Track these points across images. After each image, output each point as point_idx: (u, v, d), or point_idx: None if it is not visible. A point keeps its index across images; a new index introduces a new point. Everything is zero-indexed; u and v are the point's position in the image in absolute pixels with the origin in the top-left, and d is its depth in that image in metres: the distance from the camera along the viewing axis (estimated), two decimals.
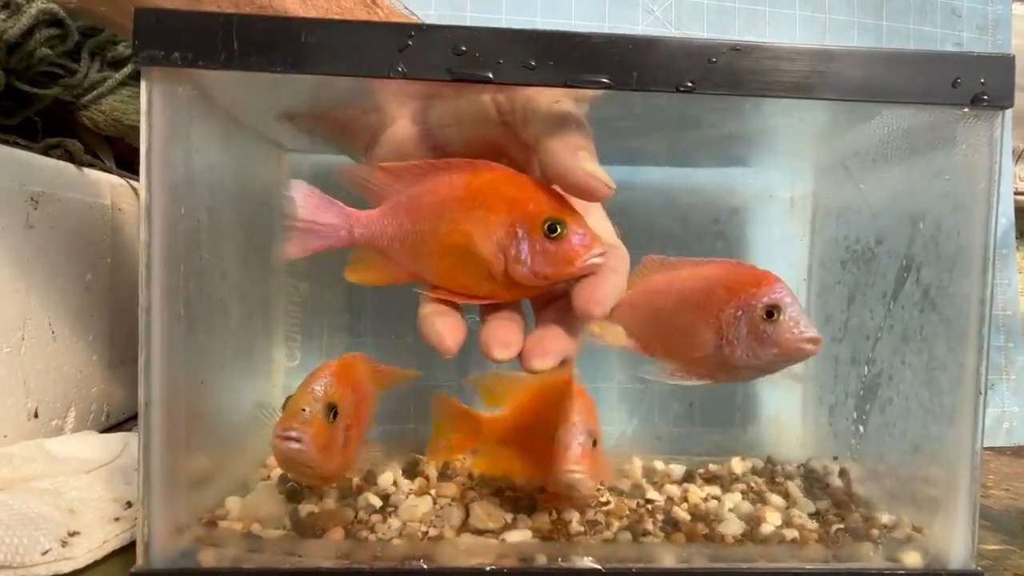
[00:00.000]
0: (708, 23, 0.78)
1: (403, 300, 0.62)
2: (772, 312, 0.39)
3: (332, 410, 0.38)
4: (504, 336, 0.37)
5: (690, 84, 0.35)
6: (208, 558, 0.36)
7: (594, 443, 0.40)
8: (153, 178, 0.34)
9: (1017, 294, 0.88)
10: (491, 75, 0.35)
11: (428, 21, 0.36)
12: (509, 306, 0.39)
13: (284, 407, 0.38)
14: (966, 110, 0.37)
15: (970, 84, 0.37)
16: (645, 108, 0.42)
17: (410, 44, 0.34)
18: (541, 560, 0.37)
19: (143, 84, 0.34)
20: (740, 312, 0.40)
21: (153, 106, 0.34)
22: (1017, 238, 1.03)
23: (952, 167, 0.40)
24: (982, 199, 0.38)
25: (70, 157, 0.65)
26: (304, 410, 0.37)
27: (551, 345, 0.37)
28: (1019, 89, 0.96)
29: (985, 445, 0.83)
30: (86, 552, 0.40)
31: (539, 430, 0.42)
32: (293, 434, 0.36)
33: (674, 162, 0.60)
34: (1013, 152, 0.93)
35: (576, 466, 0.38)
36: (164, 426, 0.35)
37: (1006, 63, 0.37)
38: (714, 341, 0.41)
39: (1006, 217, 0.88)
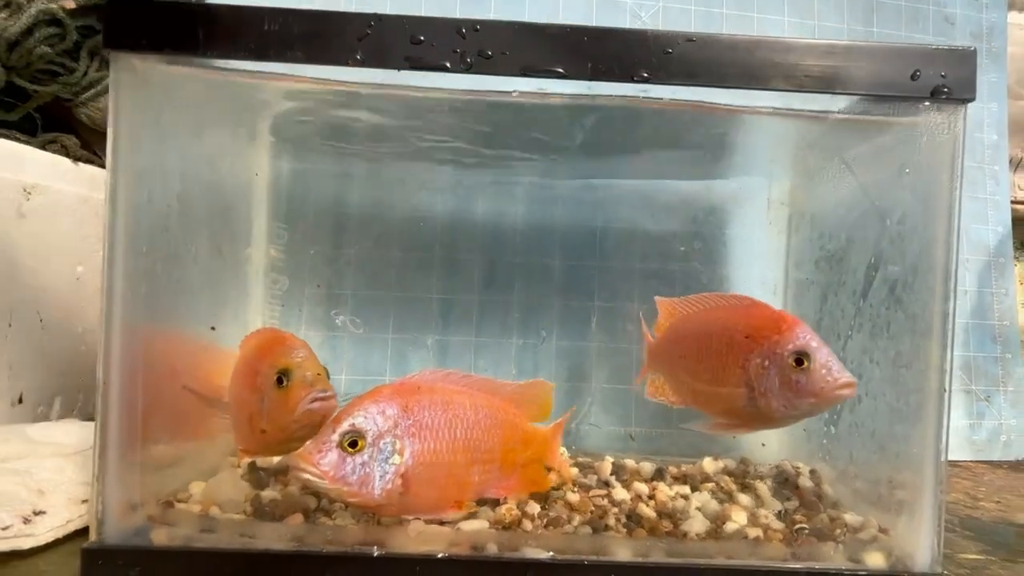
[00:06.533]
0: (696, 29, 0.78)
1: (380, 297, 0.63)
2: (801, 360, 0.37)
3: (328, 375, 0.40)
4: None
5: (645, 75, 0.36)
6: (160, 536, 0.36)
7: None
8: (119, 163, 0.35)
9: (1015, 304, 0.86)
10: (448, 64, 0.35)
11: None
12: None
13: (288, 378, 0.39)
14: (927, 103, 0.37)
15: (930, 77, 0.37)
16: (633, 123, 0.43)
17: (369, 33, 0.35)
18: (492, 549, 0.37)
19: (111, 70, 0.35)
20: (767, 362, 0.38)
21: (120, 92, 0.35)
22: (1018, 247, 1.01)
23: (915, 162, 0.39)
24: (945, 194, 0.38)
25: (66, 152, 0.67)
26: (319, 374, 0.39)
27: None
28: (1016, 97, 0.95)
29: (982, 459, 0.81)
30: (48, 531, 0.40)
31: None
32: (331, 392, 0.38)
33: (656, 175, 0.60)
34: (1011, 160, 0.91)
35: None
36: (121, 406, 0.36)
37: (967, 57, 0.37)
38: (745, 394, 0.39)
39: (1003, 226, 0.86)
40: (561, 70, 0.35)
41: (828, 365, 0.38)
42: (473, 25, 0.35)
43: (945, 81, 0.37)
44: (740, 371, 0.40)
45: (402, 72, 0.36)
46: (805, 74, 0.36)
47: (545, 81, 0.36)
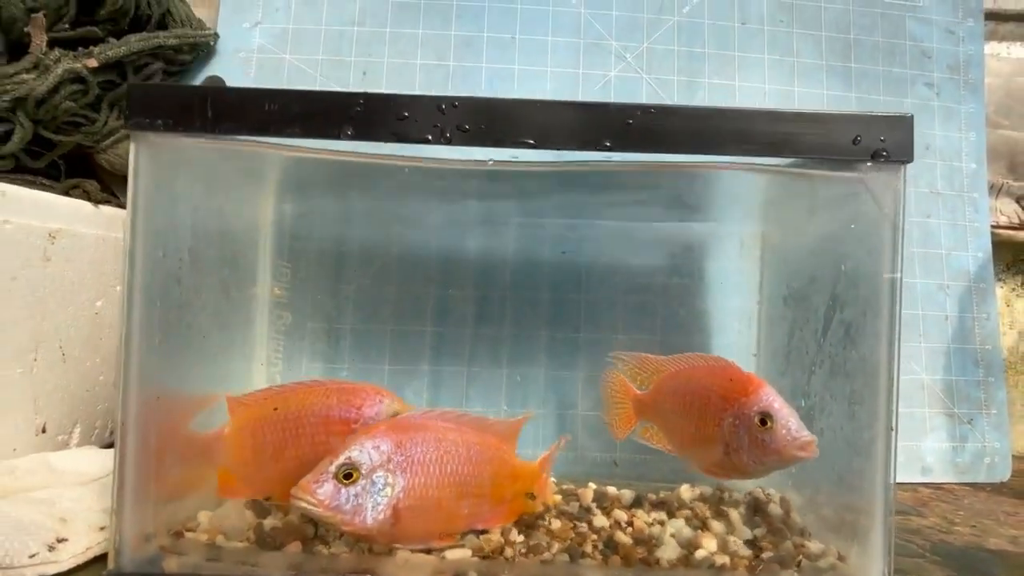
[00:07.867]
0: (678, 68, 0.82)
1: (378, 331, 0.66)
2: (765, 420, 0.43)
3: None
4: None
5: (608, 144, 0.40)
6: (171, 565, 0.40)
7: None
8: (137, 226, 0.40)
9: (998, 328, 0.88)
10: (429, 137, 0.39)
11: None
12: None
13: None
14: (868, 164, 0.40)
15: (870, 141, 0.40)
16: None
17: (359, 110, 0.39)
18: None
19: (131, 146, 0.39)
20: (737, 421, 0.44)
21: (140, 165, 0.40)
22: (1004, 270, 1.03)
23: (861, 216, 0.43)
24: (888, 245, 0.41)
25: (87, 196, 0.72)
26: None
27: None
28: (995, 126, 0.98)
29: (966, 481, 0.83)
30: (70, 557, 0.44)
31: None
32: None
33: (638, 218, 0.64)
34: (991, 187, 0.94)
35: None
36: (137, 444, 0.40)
37: (905, 123, 0.40)
38: (721, 449, 0.45)
39: (983, 252, 0.88)
40: (531, 141, 0.39)
41: (788, 425, 0.42)
42: (452, 102, 0.39)
43: (884, 145, 0.40)
44: (716, 428, 0.45)
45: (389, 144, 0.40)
46: (756, 140, 0.40)
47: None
